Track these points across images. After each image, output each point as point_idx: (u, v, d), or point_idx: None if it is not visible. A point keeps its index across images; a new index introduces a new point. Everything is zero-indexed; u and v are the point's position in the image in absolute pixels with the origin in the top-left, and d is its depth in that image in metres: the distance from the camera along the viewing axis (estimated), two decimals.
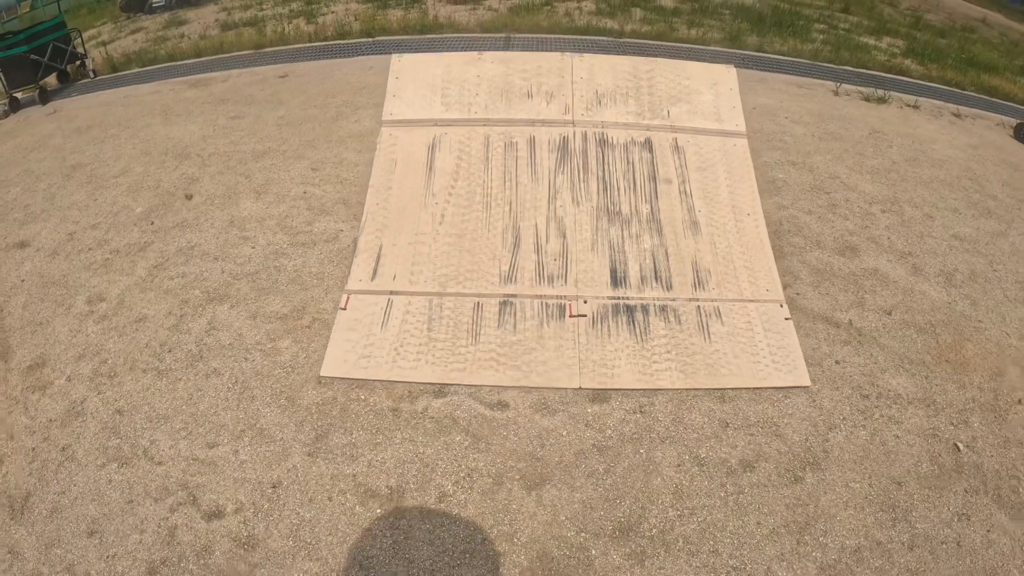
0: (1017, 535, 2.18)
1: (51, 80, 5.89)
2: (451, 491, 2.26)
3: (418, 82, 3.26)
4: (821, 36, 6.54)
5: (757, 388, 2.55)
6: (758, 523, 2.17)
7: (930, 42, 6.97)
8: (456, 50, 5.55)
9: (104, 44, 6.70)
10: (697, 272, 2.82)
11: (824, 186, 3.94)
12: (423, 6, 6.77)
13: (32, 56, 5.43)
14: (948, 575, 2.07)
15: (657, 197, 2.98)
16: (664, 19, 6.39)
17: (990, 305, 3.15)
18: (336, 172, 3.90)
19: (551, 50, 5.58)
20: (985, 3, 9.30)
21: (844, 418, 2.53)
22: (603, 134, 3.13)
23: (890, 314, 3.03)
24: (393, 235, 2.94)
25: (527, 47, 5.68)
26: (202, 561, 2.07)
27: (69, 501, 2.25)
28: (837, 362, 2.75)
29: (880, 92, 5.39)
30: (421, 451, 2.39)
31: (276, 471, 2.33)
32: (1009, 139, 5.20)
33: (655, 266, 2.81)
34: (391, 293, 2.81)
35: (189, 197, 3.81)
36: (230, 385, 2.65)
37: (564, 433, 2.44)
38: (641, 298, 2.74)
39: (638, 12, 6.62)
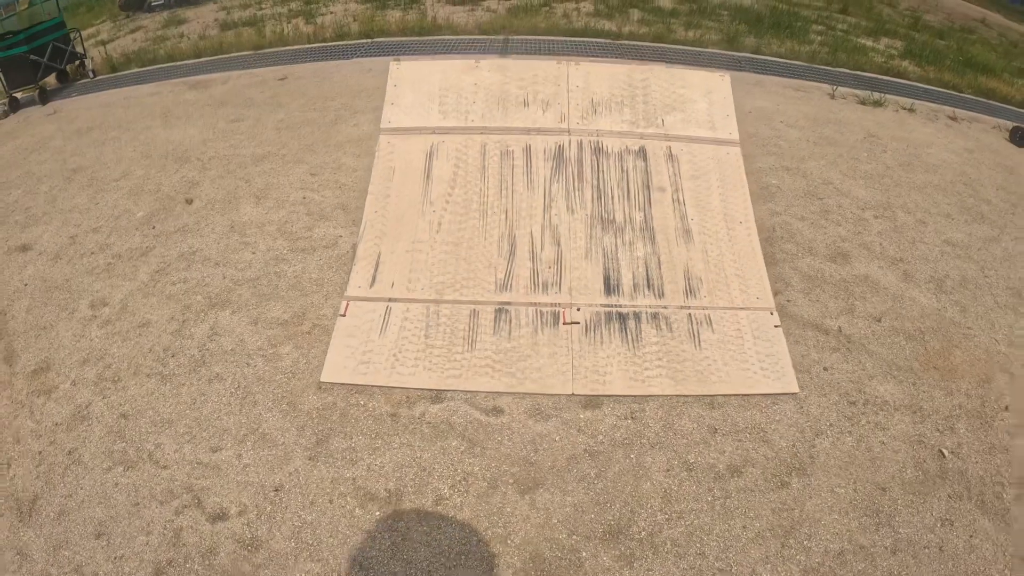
0: (1000, 540, 2.23)
1: (51, 80, 5.91)
2: (447, 494, 2.33)
3: (416, 90, 3.30)
4: (819, 37, 6.56)
5: (746, 395, 2.62)
6: (744, 527, 2.24)
7: (928, 43, 6.98)
8: (454, 52, 5.57)
9: (103, 43, 6.70)
10: (689, 280, 2.88)
11: (817, 192, 3.98)
12: (422, 7, 6.78)
13: (32, 56, 5.44)
14: None
15: (651, 205, 3.03)
16: (662, 20, 6.40)
17: (980, 311, 3.19)
18: (335, 177, 3.94)
19: (549, 52, 5.60)
20: (985, 3, 9.29)
21: (831, 424, 2.60)
22: (598, 143, 3.17)
23: (880, 321, 3.08)
24: (391, 242, 3.00)
25: (525, 49, 5.70)
26: (207, 562, 2.14)
27: (76, 504, 2.32)
28: (825, 369, 2.81)
29: (876, 95, 5.41)
30: (418, 455, 2.45)
31: (278, 475, 2.40)
32: (1005, 142, 5.22)
33: (647, 274, 2.87)
34: (389, 300, 2.87)
35: (190, 201, 3.85)
36: (232, 390, 2.71)
37: (557, 438, 2.51)
38: (633, 306, 2.80)
39: (636, 13, 6.62)
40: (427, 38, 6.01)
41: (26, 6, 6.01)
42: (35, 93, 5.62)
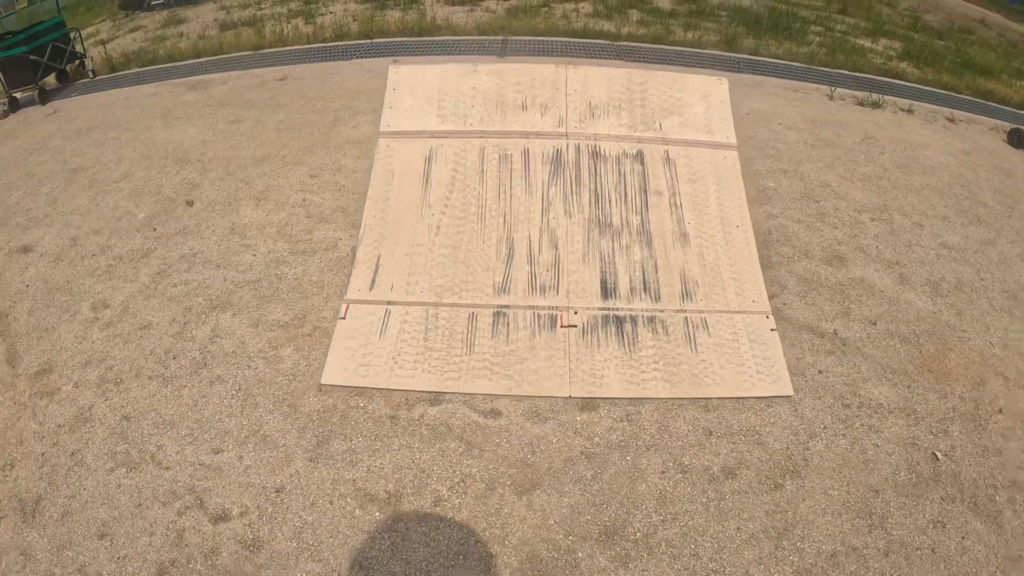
0: (992, 542, 2.26)
1: (50, 80, 5.92)
2: (446, 495, 2.37)
3: (415, 94, 3.32)
4: (817, 38, 6.56)
5: (741, 398, 2.65)
6: (738, 528, 2.28)
7: (927, 44, 6.98)
8: (454, 53, 5.59)
9: (103, 42, 6.70)
10: (685, 283, 2.91)
11: (814, 194, 4.00)
12: (421, 7, 6.78)
13: (32, 56, 5.45)
14: None
15: (648, 209, 3.06)
16: (661, 21, 6.41)
17: (975, 315, 3.21)
18: (335, 179, 3.96)
19: (548, 53, 5.61)
20: (984, 3, 9.28)
21: (825, 427, 2.63)
22: (596, 146, 3.19)
23: (875, 324, 3.11)
24: (391, 246, 3.02)
25: (524, 50, 5.71)
26: (210, 562, 2.18)
27: (79, 505, 2.35)
28: (820, 372, 2.84)
29: (875, 96, 5.42)
30: (417, 457, 2.49)
31: (279, 476, 2.43)
32: (1002, 144, 5.23)
33: (644, 277, 2.90)
34: (389, 303, 2.89)
35: (190, 203, 3.87)
36: (234, 392, 2.74)
37: (554, 440, 2.54)
38: (630, 309, 2.83)
39: (635, 14, 6.62)
40: (426, 39, 6.02)
41: (25, 5, 6.00)
42: (35, 93, 5.63)
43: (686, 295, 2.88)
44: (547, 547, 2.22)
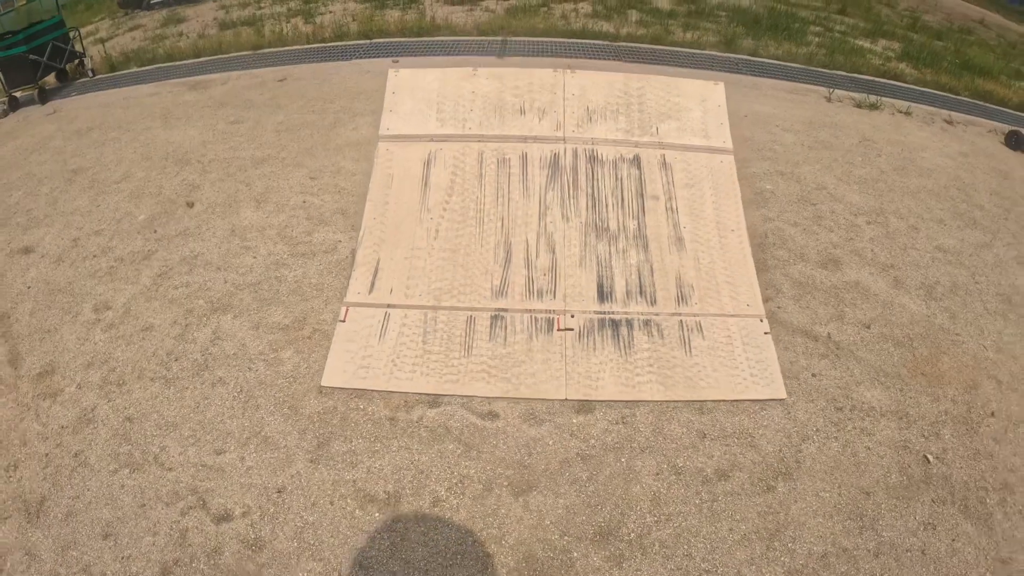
0: (982, 544, 2.29)
1: (50, 79, 5.92)
2: (444, 496, 2.41)
3: (414, 97, 3.34)
4: (816, 39, 6.57)
5: (735, 400, 2.69)
6: (730, 529, 2.32)
7: (926, 45, 6.99)
8: (453, 54, 5.60)
9: (102, 41, 6.70)
10: (680, 287, 2.94)
11: (811, 197, 4.02)
12: (420, 6, 6.78)
13: (31, 56, 5.46)
14: None
15: (644, 213, 3.09)
16: (660, 22, 6.41)
17: (969, 318, 3.23)
18: (334, 181, 3.98)
19: (547, 53, 5.62)
20: (984, 3, 9.27)
21: (817, 430, 2.67)
22: (593, 151, 3.22)
23: (869, 327, 3.14)
24: (390, 249, 3.05)
25: (523, 50, 5.72)
26: (212, 561, 2.22)
27: (83, 505, 2.39)
28: (814, 375, 2.88)
29: (872, 98, 5.44)
30: (416, 458, 2.53)
31: (281, 477, 2.47)
32: (1000, 146, 5.24)
33: (640, 281, 2.93)
34: (388, 306, 2.93)
35: (191, 205, 3.90)
36: (235, 394, 2.78)
37: (550, 442, 2.58)
38: (626, 313, 2.86)
39: (634, 14, 6.63)
40: (426, 39, 6.02)
41: (24, 3, 6.00)
42: (34, 92, 5.64)
43: (681, 299, 2.92)
44: (543, 547, 2.26)
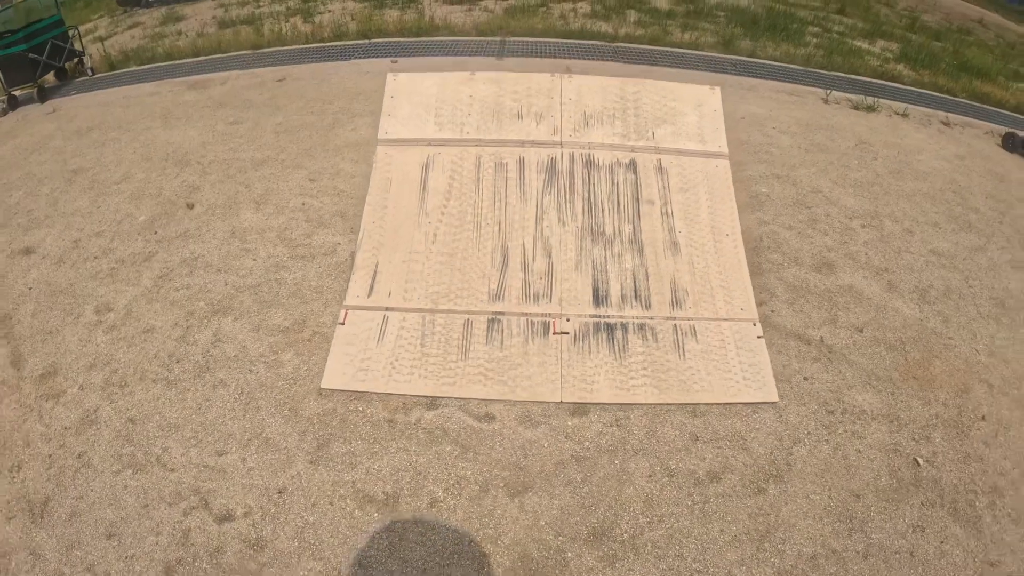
0: (970, 547, 2.32)
1: (49, 78, 5.93)
2: (442, 497, 2.45)
3: (412, 101, 3.36)
4: (815, 40, 6.58)
5: (727, 403, 2.73)
6: (721, 530, 2.37)
7: (925, 45, 6.99)
8: (451, 54, 5.60)
9: (101, 39, 6.70)
10: (675, 291, 2.98)
11: (806, 200, 4.05)
12: (419, 6, 6.77)
13: (31, 54, 5.46)
14: None
15: (640, 218, 3.12)
16: (658, 22, 6.42)
17: (962, 322, 3.26)
18: (333, 184, 4.01)
19: (545, 54, 5.63)
20: (983, 3, 9.26)
21: (809, 433, 2.71)
22: (589, 155, 3.25)
23: (861, 331, 3.17)
24: (389, 253, 3.08)
25: (522, 50, 5.72)
26: (215, 561, 2.26)
27: (87, 505, 2.43)
28: (806, 379, 2.92)
29: (869, 100, 5.45)
30: (414, 460, 2.57)
31: (281, 478, 2.51)
32: (996, 148, 5.25)
33: (635, 285, 2.97)
34: (386, 309, 2.96)
35: (191, 206, 3.92)
36: (236, 396, 2.82)
37: (546, 444, 2.62)
38: (621, 316, 2.90)
39: (633, 15, 6.63)
40: (424, 39, 6.03)
41: (22, 0, 5.99)
42: (34, 91, 5.64)
43: (676, 303, 2.95)
44: (538, 547, 2.30)
